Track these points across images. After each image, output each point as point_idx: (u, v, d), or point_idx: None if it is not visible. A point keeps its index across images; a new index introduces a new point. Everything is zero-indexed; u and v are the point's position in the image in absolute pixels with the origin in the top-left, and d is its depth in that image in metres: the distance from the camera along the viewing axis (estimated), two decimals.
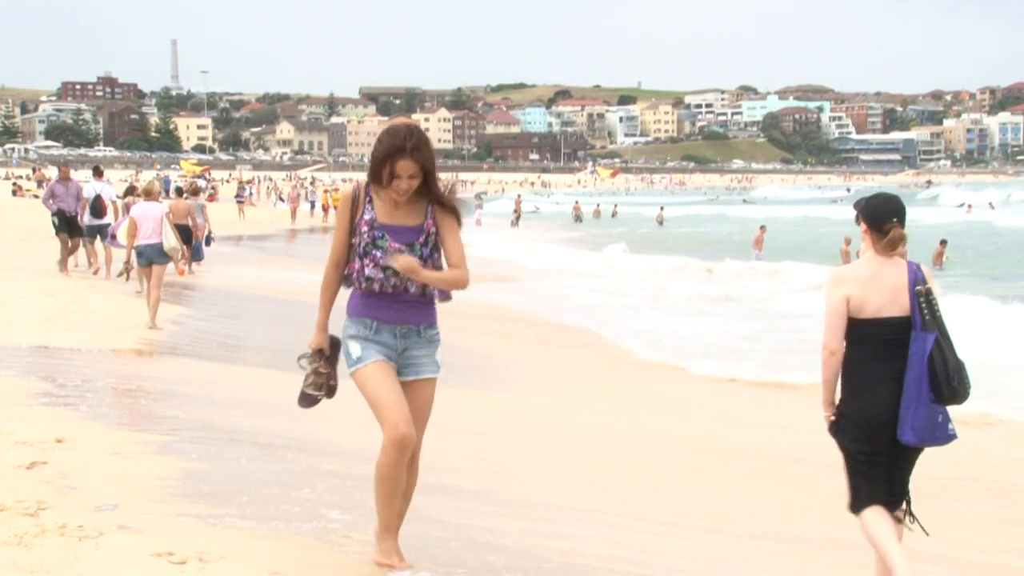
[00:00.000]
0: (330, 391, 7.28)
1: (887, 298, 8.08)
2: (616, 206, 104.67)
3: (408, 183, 6.90)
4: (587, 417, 17.68)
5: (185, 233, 27.48)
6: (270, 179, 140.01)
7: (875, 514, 8.04)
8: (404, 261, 7.49)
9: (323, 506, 9.62)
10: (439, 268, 7.14)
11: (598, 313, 33.76)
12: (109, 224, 28.53)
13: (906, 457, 8.19)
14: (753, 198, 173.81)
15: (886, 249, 8.19)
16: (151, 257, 21.18)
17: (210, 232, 38.48)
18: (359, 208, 7.03)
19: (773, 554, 10.66)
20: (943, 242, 47.51)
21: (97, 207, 29.32)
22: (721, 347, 26.90)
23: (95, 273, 29.10)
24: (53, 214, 28.91)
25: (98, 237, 29.26)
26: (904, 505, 8.25)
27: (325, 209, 72.04)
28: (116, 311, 22.67)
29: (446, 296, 7.30)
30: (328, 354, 7.24)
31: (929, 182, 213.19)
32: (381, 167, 6.87)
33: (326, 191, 79.45)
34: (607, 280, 44.42)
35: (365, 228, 6.97)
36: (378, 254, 6.93)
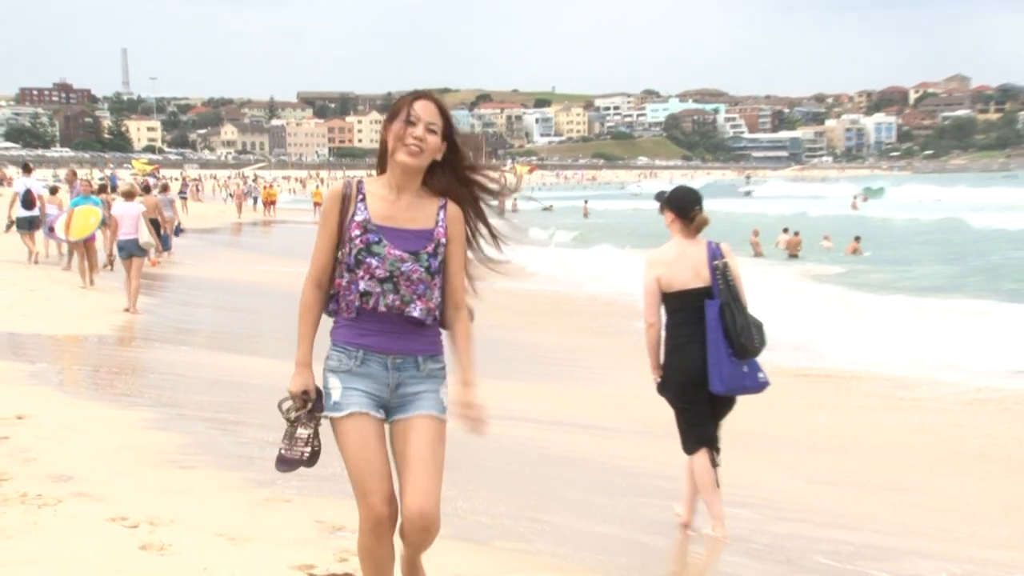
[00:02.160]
0: (313, 456, 5.23)
1: (691, 273, 8.73)
2: (551, 205, 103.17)
3: (426, 134, 5.12)
4: None
5: (154, 226, 27.01)
6: (214, 177, 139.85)
7: (702, 459, 8.70)
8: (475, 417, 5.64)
9: (274, 475, 9.54)
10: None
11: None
12: (37, 216, 28.86)
13: (723, 405, 8.85)
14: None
15: (694, 232, 8.90)
16: (131, 251, 21.49)
17: (179, 224, 38.32)
18: (349, 208, 5.16)
19: None
20: (857, 238, 47.17)
21: (28, 200, 29.13)
22: None
23: (35, 263, 28.50)
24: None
25: (29, 227, 29.07)
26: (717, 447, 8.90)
27: (266, 204, 71.89)
28: (73, 300, 22.59)
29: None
30: (314, 400, 5.19)
31: (748, 177, 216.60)
32: (394, 118, 5.12)
33: (265, 187, 79.53)
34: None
35: (357, 232, 5.09)
36: (374, 263, 5.04)
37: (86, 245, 24.38)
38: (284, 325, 20.40)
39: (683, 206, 8.93)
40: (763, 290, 28.17)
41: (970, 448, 13.60)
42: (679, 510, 9.18)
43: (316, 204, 70.54)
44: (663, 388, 8.94)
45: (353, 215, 5.11)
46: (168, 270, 29.86)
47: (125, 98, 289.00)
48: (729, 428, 9.06)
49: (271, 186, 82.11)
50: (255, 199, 74.92)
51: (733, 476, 9.94)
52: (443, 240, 5.18)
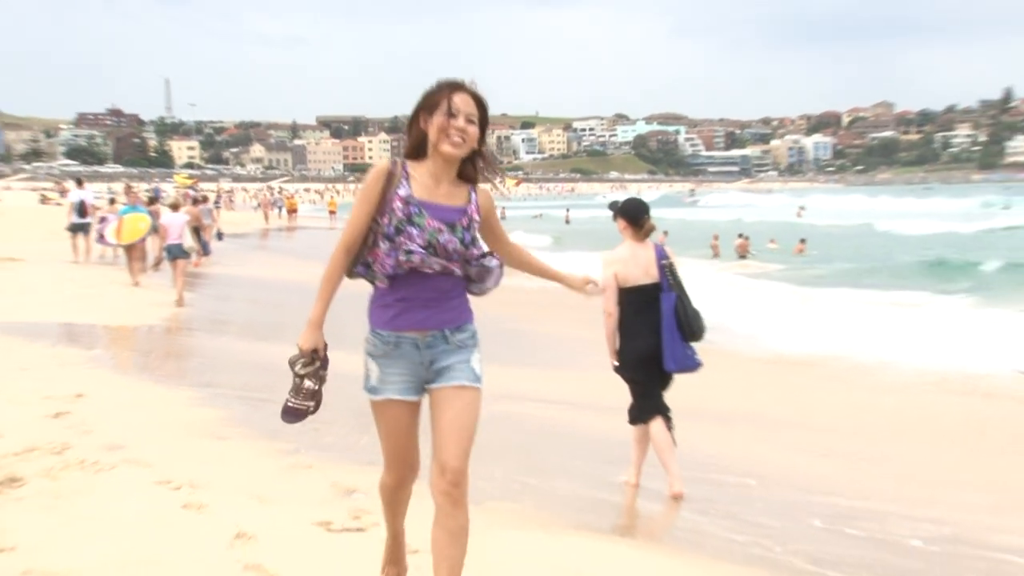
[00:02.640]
0: (316, 408, 4.96)
1: (642, 271, 9.05)
2: (540, 213, 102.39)
3: (467, 125, 4.79)
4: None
5: (195, 232, 27.84)
6: (245, 189, 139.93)
7: (659, 424, 9.03)
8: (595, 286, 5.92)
9: (298, 444, 9.56)
10: (479, 256, 5.01)
11: None
12: (89, 222, 29.15)
13: (667, 381, 9.19)
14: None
15: (643, 236, 9.17)
16: (176, 254, 21.85)
17: (220, 230, 38.27)
18: (392, 183, 4.80)
19: None
20: (803, 240, 47.02)
21: (82, 209, 29.52)
22: None
23: (83, 261, 28.68)
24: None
25: (81, 233, 29.35)
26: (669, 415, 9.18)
27: (289, 212, 71.79)
28: (124, 296, 22.48)
29: (484, 288, 5.09)
30: (322, 358, 4.91)
31: (692, 190, 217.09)
32: (432, 110, 4.78)
33: (288, 198, 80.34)
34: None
35: (399, 204, 4.76)
36: (414, 231, 4.73)
37: (135, 248, 24.36)
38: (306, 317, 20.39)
39: (634, 215, 9.24)
40: (719, 287, 28.27)
41: (942, 424, 13.37)
42: (627, 477, 9.35)
43: (331, 212, 71.02)
44: (621, 368, 9.20)
45: (396, 189, 4.78)
46: (208, 270, 29.61)
47: (168, 121, 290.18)
48: (708, 406, 9.02)
49: (293, 197, 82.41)
50: (280, 208, 74.97)
51: (720, 448, 10.14)
52: (476, 217, 4.93)
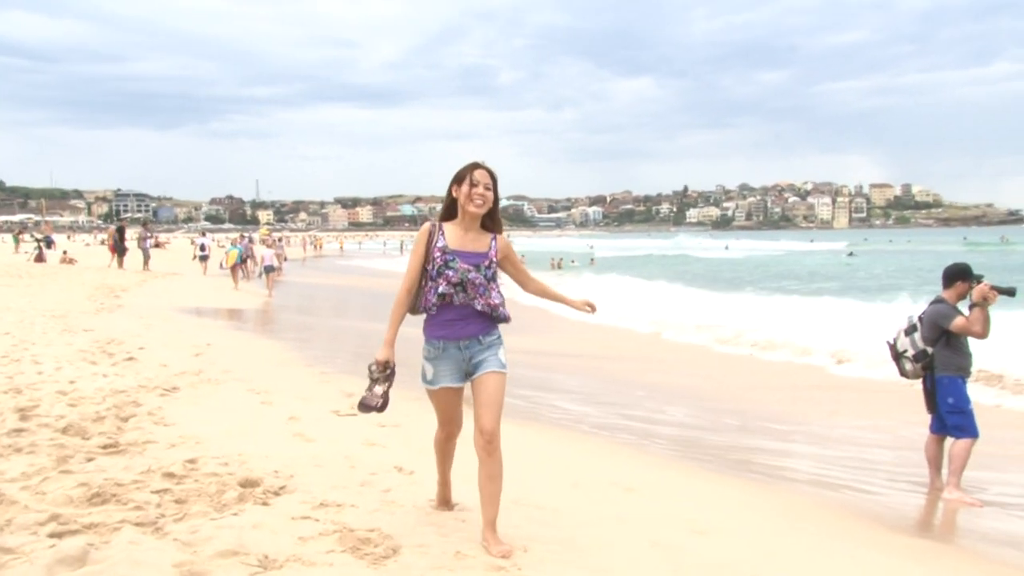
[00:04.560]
0: (383, 406, 4.20)
1: None
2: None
3: (485, 192, 4.19)
4: None
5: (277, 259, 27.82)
6: (295, 235, 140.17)
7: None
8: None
9: (327, 369, 9.67)
10: (498, 292, 4.29)
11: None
12: (207, 255, 30.99)
13: None
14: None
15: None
16: (268, 270, 23.30)
17: (286, 257, 38.85)
18: (433, 239, 4.21)
19: None
20: (593, 259, 49.04)
21: (204, 248, 31.40)
22: None
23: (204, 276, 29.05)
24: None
25: (203, 260, 30.86)
26: None
27: (316, 247, 74.29)
28: (232, 294, 22.87)
29: (506, 318, 4.27)
30: (392, 369, 4.21)
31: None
32: (461, 182, 4.20)
33: (317, 239, 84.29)
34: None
35: (438, 254, 4.17)
36: (450, 273, 4.14)
37: (235, 268, 24.77)
38: (338, 303, 20.81)
39: None
40: (568, 284, 25.87)
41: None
42: None
43: (340, 247, 77.15)
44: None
45: (435, 242, 4.17)
46: (282, 279, 29.47)
47: (257, 201, 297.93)
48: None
49: (320, 239, 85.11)
50: (313, 246, 75.58)
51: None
52: (495, 259, 4.23)
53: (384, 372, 4.12)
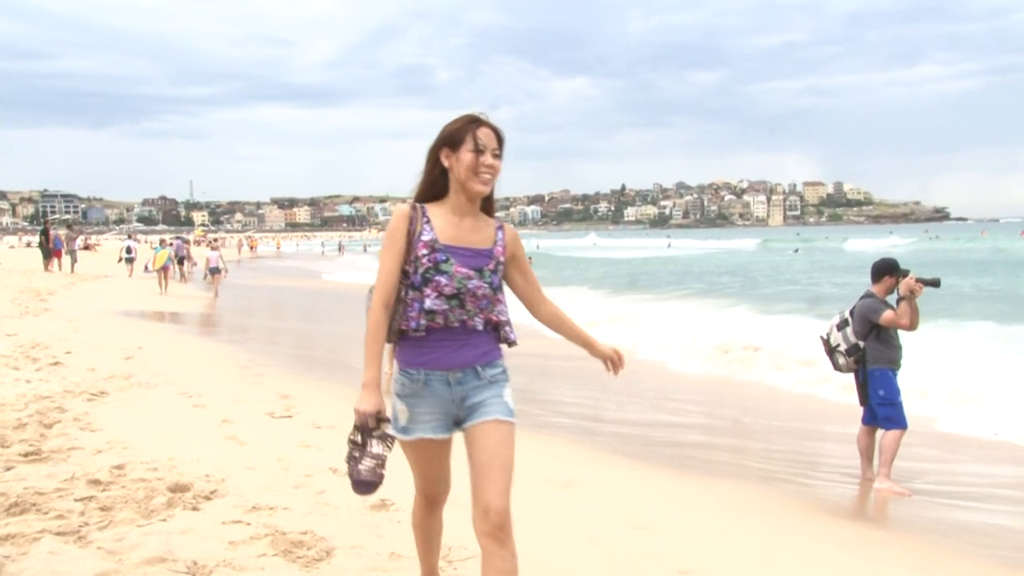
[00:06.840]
0: (381, 475, 2.80)
1: None
2: None
3: (495, 161, 2.81)
4: None
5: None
6: (231, 236, 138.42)
7: None
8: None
9: (254, 362, 9.54)
10: (504, 305, 2.90)
11: None
12: (133, 257, 30.18)
13: None
14: None
15: None
16: (213, 272, 23.04)
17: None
18: (415, 227, 2.79)
19: None
20: (530, 257, 46.26)
21: (129, 250, 30.58)
22: None
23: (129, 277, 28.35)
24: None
25: (128, 262, 29.95)
26: None
27: (251, 248, 71.86)
28: (161, 298, 22.49)
29: (512, 342, 2.90)
30: (387, 420, 2.79)
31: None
32: (457, 146, 2.78)
33: (251, 240, 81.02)
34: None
35: (424, 251, 2.76)
36: (443, 280, 2.75)
37: (164, 271, 23.99)
38: (275, 305, 20.44)
39: None
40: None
41: None
42: None
43: (277, 248, 75.66)
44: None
45: (420, 234, 2.78)
46: (225, 280, 29.35)
47: (191, 202, 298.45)
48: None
49: (254, 240, 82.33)
50: (249, 247, 73.85)
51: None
52: (501, 259, 2.87)
53: (379, 427, 2.75)
